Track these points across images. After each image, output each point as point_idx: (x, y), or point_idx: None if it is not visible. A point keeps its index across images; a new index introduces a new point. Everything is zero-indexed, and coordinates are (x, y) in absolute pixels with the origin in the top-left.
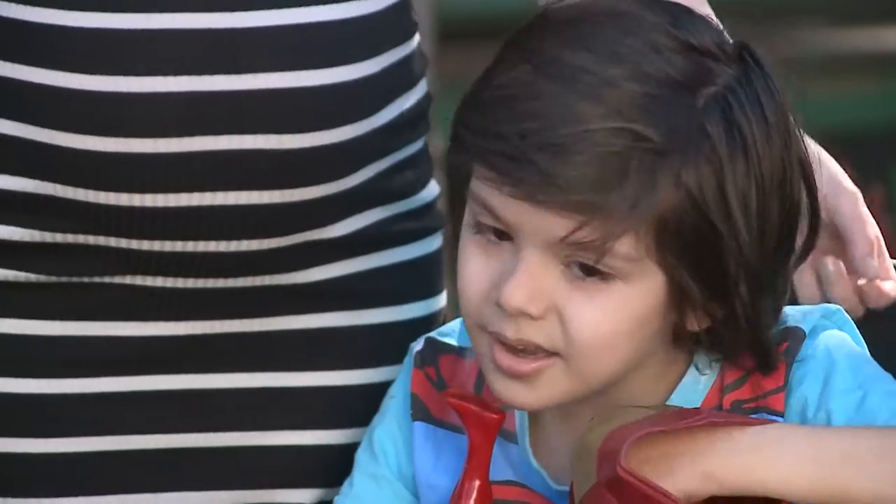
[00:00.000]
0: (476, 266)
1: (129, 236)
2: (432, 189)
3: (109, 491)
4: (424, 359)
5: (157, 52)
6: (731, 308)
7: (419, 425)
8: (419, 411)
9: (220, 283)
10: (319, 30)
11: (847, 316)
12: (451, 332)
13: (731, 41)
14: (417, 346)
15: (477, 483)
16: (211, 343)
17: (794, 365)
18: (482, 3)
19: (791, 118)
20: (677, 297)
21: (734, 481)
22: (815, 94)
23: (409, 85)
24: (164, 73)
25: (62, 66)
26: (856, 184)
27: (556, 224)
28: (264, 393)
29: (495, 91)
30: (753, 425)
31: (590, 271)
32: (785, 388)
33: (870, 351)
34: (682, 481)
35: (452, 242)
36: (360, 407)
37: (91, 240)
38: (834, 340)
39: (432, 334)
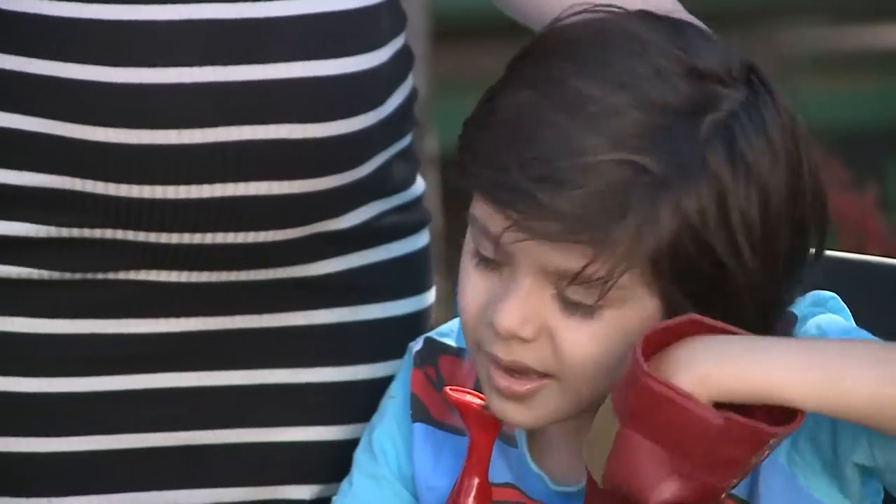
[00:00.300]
0: (474, 288)
1: (149, 229)
2: (420, 184)
3: (117, 489)
4: (424, 358)
5: (181, 42)
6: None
7: (419, 426)
8: (419, 412)
9: (233, 276)
10: (339, 19)
11: (842, 303)
12: (449, 333)
13: (738, 61)
14: (416, 345)
15: (476, 481)
16: (220, 339)
17: None
18: (475, 2)
19: (799, 136)
20: (669, 316)
21: (729, 383)
22: (811, 92)
23: (405, 76)
24: (188, 64)
25: (84, 60)
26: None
27: (555, 256)
28: (271, 389)
29: (498, 116)
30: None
31: (585, 297)
32: None
33: None
34: (680, 386)
35: (444, 239)
36: (360, 403)
37: (108, 234)
38: (825, 319)
39: (431, 334)
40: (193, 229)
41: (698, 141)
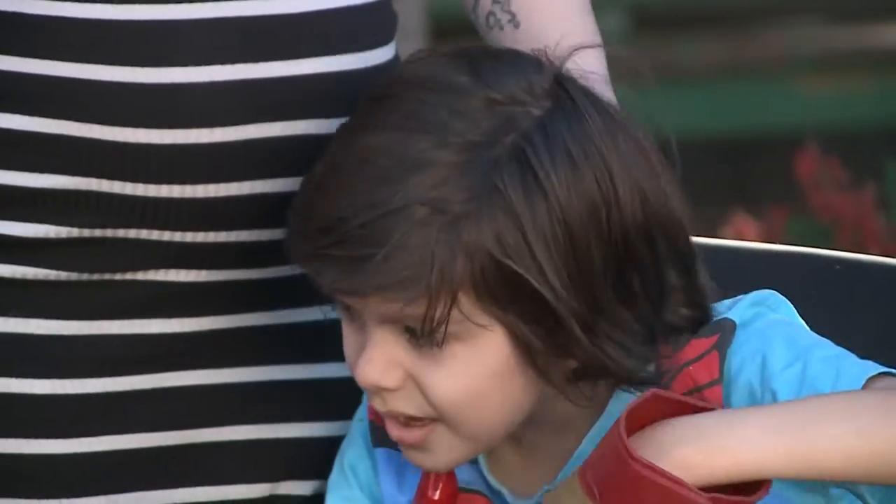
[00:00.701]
0: (348, 342)
1: (174, 228)
2: None
3: (126, 489)
4: None
5: (209, 41)
6: (580, 349)
7: (381, 451)
8: (378, 438)
9: (250, 273)
10: (361, 12)
11: (782, 298)
12: None
13: (547, 78)
14: None
15: (444, 476)
16: (231, 337)
17: (728, 355)
18: None
19: (618, 147)
20: (524, 347)
21: (709, 466)
22: (810, 92)
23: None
24: (218, 63)
25: (112, 61)
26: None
27: (382, 305)
28: (278, 385)
29: (306, 184)
30: (704, 407)
31: (426, 339)
32: (721, 380)
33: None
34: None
35: None
36: (359, 397)
37: (131, 234)
38: (765, 323)
39: None
40: (218, 227)
41: (489, 168)
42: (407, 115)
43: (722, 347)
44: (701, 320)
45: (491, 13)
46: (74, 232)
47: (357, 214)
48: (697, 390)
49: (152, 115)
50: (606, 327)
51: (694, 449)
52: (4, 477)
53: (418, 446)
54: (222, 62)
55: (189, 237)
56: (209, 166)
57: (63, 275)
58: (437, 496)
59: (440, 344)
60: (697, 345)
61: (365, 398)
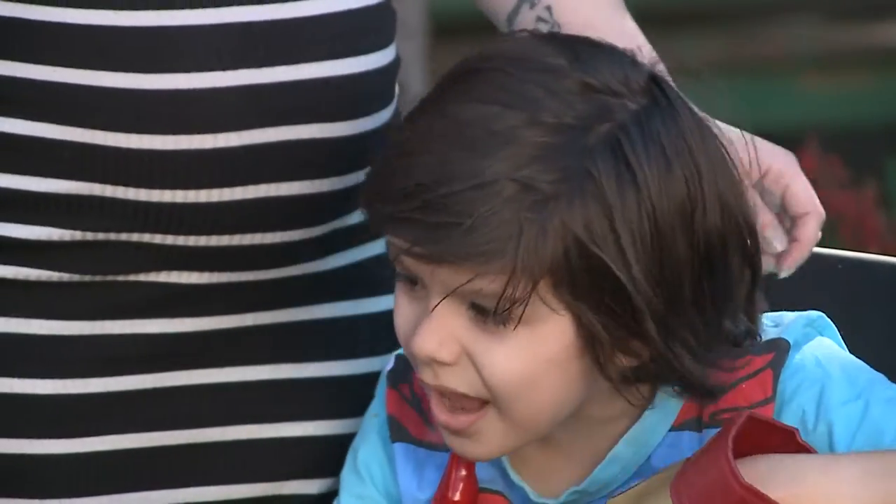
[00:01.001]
0: (401, 311)
1: (178, 232)
2: None
3: (130, 489)
4: (398, 377)
5: (213, 47)
6: (649, 346)
7: (399, 446)
8: (397, 432)
9: (253, 275)
10: (361, 15)
11: (828, 321)
12: None
13: (643, 73)
14: (389, 365)
15: (463, 473)
16: (233, 337)
17: (783, 376)
18: (473, 1)
19: (707, 150)
20: (588, 338)
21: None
22: (810, 90)
23: (398, 69)
24: (222, 68)
25: (117, 68)
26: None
27: (454, 277)
28: (281, 385)
29: (390, 151)
30: (791, 432)
31: (494, 316)
32: (773, 399)
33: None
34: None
35: None
36: (368, 396)
37: (134, 237)
38: (822, 350)
39: (403, 352)
40: (221, 231)
41: (584, 153)
42: (501, 88)
43: (776, 367)
44: (752, 333)
45: (539, 21)
46: (77, 235)
47: (443, 182)
48: (750, 408)
49: (156, 120)
50: (678, 327)
51: (790, 491)
52: (7, 477)
53: (464, 433)
54: (225, 68)
55: (192, 241)
56: (213, 171)
57: (65, 276)
58: (457, 497)
59: (509, 324)
60: (752, 362)
61: (379, 393)
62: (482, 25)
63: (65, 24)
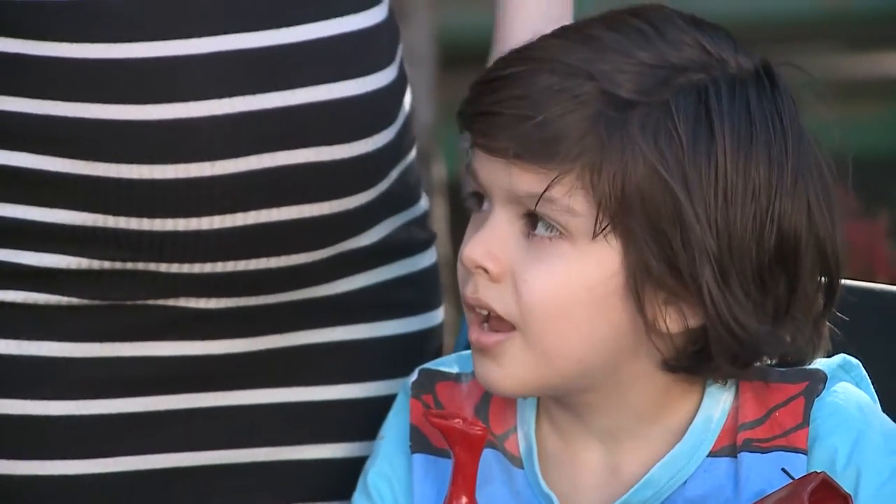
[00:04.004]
0: (468, 234)
1: (182, 261)
2: (425, 199)
3: None
4: (421, 387)
5: (209, 76)
6: (700, 300)
7: (418, 458)
8: (418, 443)
9: (259, 300)
10: (354, 39)
11: (864, 372)
12: (446, 362)
13: (758, 59)
14: (412, 377)
15: (464, 500)
16: (243, 361)
17: (820, 412)
18: (483, 30)
19: (805, 153)
20: (635, 278)
21: None
22: (821, 119)
23: (405, 90)
24: (218, 97)
25: (111, 100)
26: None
27: (516, 180)
28: (292, 408)
29: (490, 73)
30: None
31: (540, 227)
32: (805, 425)
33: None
34: None
35: (452, 265)
36: (379, 420)
37: (140, 266)
38: (864, 400)
39: (427, 365)
40: (226, 258)
41: (669, 86)
42: (623, 25)
43: (810, 395)
44: (802, 357)
45: None
46: (84, 263)
47: (526, 78)
48: (782, 435)
49: (154, 151)
50: (738, 288)
51: None
52: (22, 499)
53: (491, 353)
54: (221, 96)
55: (197, 268)
56: (213, 199)
57: (76, 301)
58: None
59: (556, 239)
60: (785, 389)
61: (393, 410)
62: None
63: (61, 58)
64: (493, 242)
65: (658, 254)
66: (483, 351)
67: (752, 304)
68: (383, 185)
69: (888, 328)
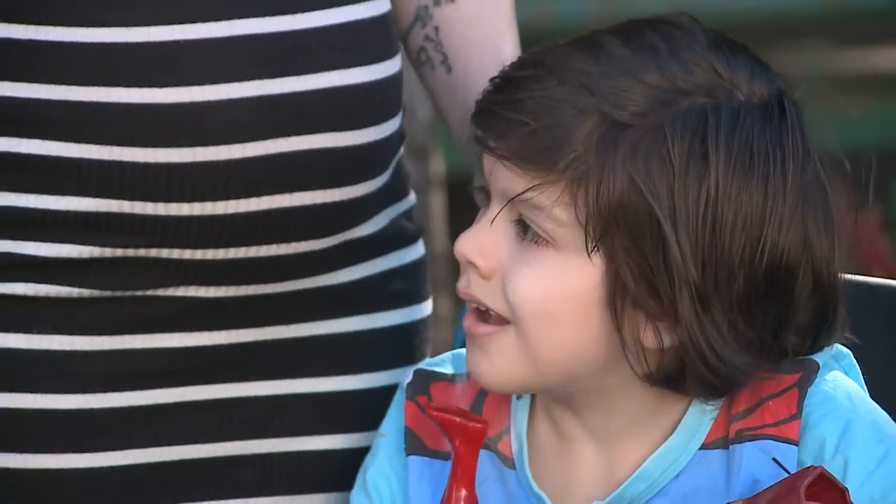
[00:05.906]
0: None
1: (195, 246)
2: (412, 193)
3: (152, 503)
4: (415, 388)
5: (226, 59)
6: (677, 324)
7: (414, 459)
8: (413, 445)
9: (268, 288)
10: (367, 26)
11: (854, 362)
12: (441, 362)
13: (774, 88)
14: (407, 378)
15: (464, 493)
16: (249, 351)
17: (811, 401)
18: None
19: (807, 183)
20: (612, 291)
21: None
22: (814, 114)
23: (402, 80)
24: (235, 80)
25: (131, 83)
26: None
27: (511, 182)
28: (295, 399)
29: (504, 72)
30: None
31: (530, 232)
32: (798, 416)
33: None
34: None
35: (448, 259)
36: (379, 410)
37: (153, 252)
38: (853, 388)
39: (421, 365)
40: (238, 244)
41: (668, 111)
42: (638, 40)
43: (803, 386)
44: (797, 352)
45: (422, 49)
46: (96, 252)
47: (530, 83)
48: (773, 425)
49: (170, 134)
50: (716, 315)
51: None
52: (30, 492)
53: (482, 344)
54: (237, 79)
55: (210, 255)
56: (227, 183)
57: (85, 292)
58: None
59: (543, 245)
60: (779, 379)
61: (391, 409)
62: None
63: (77, 42)
64: (485, 240)
65: (638, 273)
66: (475, 340)
67: (734, 332)
68: (386, 175)
69: (884, 321)
